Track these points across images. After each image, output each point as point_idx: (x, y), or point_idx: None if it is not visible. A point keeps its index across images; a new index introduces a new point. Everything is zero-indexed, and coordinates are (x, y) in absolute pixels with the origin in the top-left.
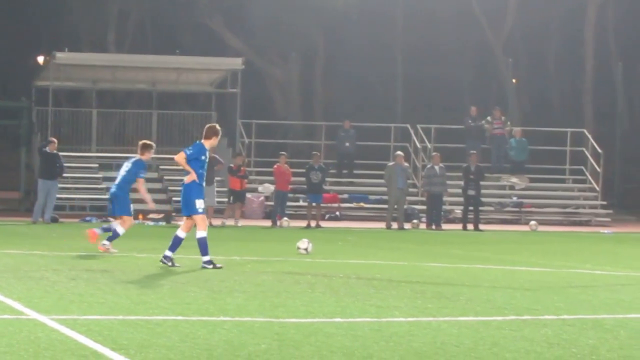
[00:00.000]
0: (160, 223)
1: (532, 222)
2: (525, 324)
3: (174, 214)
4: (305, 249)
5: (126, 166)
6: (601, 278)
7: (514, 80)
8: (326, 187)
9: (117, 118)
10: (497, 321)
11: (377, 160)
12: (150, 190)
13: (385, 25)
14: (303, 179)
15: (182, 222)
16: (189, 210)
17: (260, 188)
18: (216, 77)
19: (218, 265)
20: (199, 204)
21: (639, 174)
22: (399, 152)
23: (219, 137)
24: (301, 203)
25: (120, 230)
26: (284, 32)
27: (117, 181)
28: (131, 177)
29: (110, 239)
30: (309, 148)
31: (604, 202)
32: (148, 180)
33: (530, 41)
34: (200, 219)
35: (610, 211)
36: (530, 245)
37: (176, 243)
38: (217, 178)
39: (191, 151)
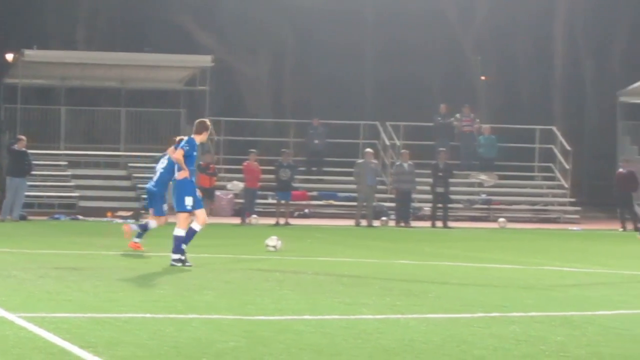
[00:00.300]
0: (129, 221)
1: (501, 219)
2: (493, 321)
3: (142, 211)
4: (274, 247)
5: (162, 163)
6: (570, 275)
7: (483, 78)
8: (295, 185)
9: (86, 116)
10: (466, 318)
11: (347, 158)
12: (118, 188)
13: (355, 22)
14: (272, 176)
15: (152, 219)
16: (179, 206)
17: (229, 185)
18: (185, 74)
19: (188, 264)
20: (188, 200)
21: (608, 171)
22: (368, 150)
23: (209, 132)
24: (270, 200)
25: (152, 224)
26: (254, 30)
27: (155, 178)
28: (169, 174)
29: (139, 235)
30: (278, 145)
31: (573, 199)
32: (116, 177)
33: (499, 39)
34: (184, 216)
35: (579, 208)
36: (499, 243)
37: (190, 235)
38: None
39: (187, 148)
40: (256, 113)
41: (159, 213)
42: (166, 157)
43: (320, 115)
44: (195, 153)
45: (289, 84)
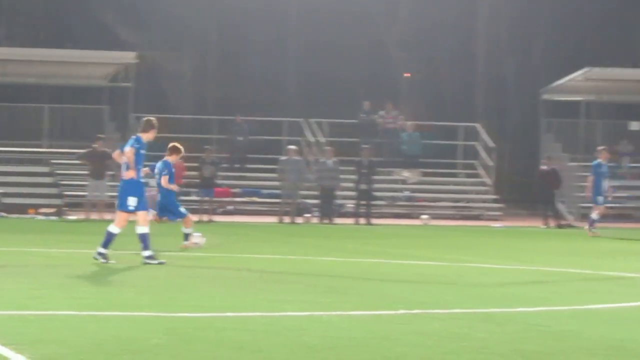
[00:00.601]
0: (52, 218)
1: (424, 216)
2: (415, 318)
3: (65, 208)
4: (197, 243)
5: (158, 169)
6: (491, 272)
7: (406, 75)
8: (218, 181)
9: (8, 112)
10: (388, 315)
11: (270, 155)
12: (41, 185)
13: (279, 19)
14: (196, 173)
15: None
16: (121, 205)
17: (151, 182)
18: (109, 71)
19: (112, 261)
20: (131, 201)
21: (530, 168)
22: (291, 146)
23: (156, 130)
24: (193, 197)
25: (192, 234)
26: (178, 27)
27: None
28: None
29: (186, 238)
30: (201, 142)
31: (496, 196)
32: (39, 174)
33: (423, 36)
34: (123, 216)
35: (501, 205)
36: (421, 239)
37: (145, 240)
38: (108, 172)
39: (138, 146)
40: (179, 110)
41: (181, 215)
42: (158, 166)
43: (243, 112)
44: (143, 152)
45: (212, 80)
